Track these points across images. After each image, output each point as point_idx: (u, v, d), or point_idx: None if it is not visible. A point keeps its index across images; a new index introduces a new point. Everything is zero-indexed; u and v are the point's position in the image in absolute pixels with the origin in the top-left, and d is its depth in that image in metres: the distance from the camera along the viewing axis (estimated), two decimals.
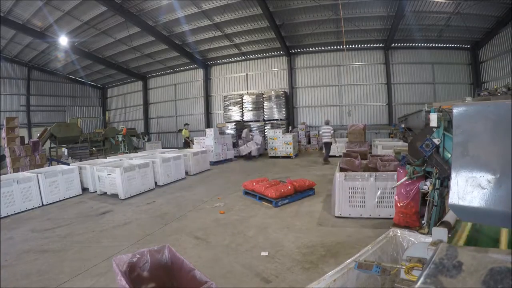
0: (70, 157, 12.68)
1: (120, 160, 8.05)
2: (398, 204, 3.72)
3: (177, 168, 8.15)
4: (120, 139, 15.58)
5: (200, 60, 17.50)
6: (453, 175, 1.33)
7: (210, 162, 10.43)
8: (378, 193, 4.38)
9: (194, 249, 3.65)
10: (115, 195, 6.41)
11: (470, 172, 1.27)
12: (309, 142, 14.67)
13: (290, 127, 15.10)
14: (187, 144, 13.46)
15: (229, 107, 16.11)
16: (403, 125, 11.95)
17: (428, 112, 3.45)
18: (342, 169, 4.96)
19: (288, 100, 15.90)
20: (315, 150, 14.18)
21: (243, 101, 15.85)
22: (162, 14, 12.54)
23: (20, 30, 13.03)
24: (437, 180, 2.90)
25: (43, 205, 6.06)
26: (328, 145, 10.27)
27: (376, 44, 14.53)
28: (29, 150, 8.53)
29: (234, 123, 15.02)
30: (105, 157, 10.75)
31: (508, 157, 1.17)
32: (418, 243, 1.63)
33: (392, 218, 3.88)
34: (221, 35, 14.30)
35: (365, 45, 14.78)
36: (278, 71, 16.62)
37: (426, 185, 3.69)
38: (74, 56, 16.62)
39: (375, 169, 4.79)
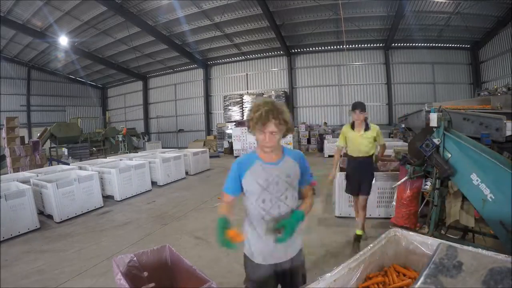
0: (70, 157, 12.68)
1: (121, 160, 8.04)
2: (398, 204, 3.72)
3: (177, 168, 8.16)
4: (120, 139, 15.60)
5: (200, 60, 17.49)
6: None
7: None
8: (378, 193, 4.38)
9: (194, 249, 3.65)
10: (110, 197, 6.33)
11: None
12: (309, 142, 14.66)
13: None
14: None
15: (229, 107, 16.10)
16: (403, 125, 11.93)
17: (428, 112, 3.44)
18: (342, 169, 4.96)
19: (288, 100, 15.90)
20: (314, 151, 14.16)
21: (243, 101, 15.84)
22: (162, 14, 12.53)
23: (20, 30, 13.03)
24: (437, 180, 2.90)
25: None
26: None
27: (376, 44, 14.53)
28: (29, 150, 8.53)
29: (234, 123, 15.03)
30: (105, 157, 10.76)
31: None
32: None
33: (392, 218, 3.88)
34: (221, 35, 14.30)
35: (365, 45, 14.78)
36: (278, 71, 16.62)
37: (426, 185, 3.68)
38: (74, 56, 16.61)
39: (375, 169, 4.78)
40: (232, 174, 1.56)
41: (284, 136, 1.51)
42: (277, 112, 1.41)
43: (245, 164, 1.53)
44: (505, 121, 2.82)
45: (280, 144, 1.55)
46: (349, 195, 4.41)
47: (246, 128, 1.58)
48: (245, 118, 1.34)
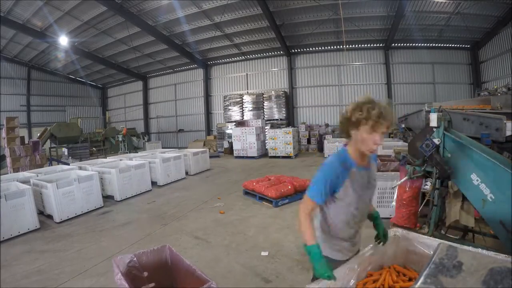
0: (70, 157, 12.68)
1: (121, 160, 8.04)
2: (398, 204, 3.72)
3: (177, 168, 8.15)
4: (120, 139, 15.59)
5: (200, 60, 17.49)
6: None
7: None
8: (378, 193, 4.37)
9: (194, 249, 3.65)
10: (110, 197, 6.32)
11: None
12: (309, 142, 14.66)
13: (290, 127, 15.10)
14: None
15: (229, 107, 16.11)
16: (403, 125, 11.96)
17: (428, 112, 3.44)
18: None
19: (288, 100, 15.90)
20: (314, 151, 14.16)
21: (243, 101, 15.84)
22: (162, 14, 12.53)
23: (20, 30, 13.03)
24: (437, 180, 2.90)
25: None
26: None
27: (376, 44, 14.52)
28: (29, 150, 8.53)
29: (234, 123, 15.03)
30: (105, 157, 10.76)
31: None
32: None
33: (392, 218, 3.88)
34: (221, 35, 14.30)
35: (365, 45, 14.78)
36: (278, 71, 16.62)
37: (426, 185, 3.68)
38: (74, 56, 16.61)
39: None
40: (326, 179, 1.36)
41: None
42: (390, 111, 1.28)
43: (343, 170, 1.37)
44: (505, 121, 2.82)
45: None
46: None
47: (343, 129, 1.37)
48: (354, 118, 1.25)
